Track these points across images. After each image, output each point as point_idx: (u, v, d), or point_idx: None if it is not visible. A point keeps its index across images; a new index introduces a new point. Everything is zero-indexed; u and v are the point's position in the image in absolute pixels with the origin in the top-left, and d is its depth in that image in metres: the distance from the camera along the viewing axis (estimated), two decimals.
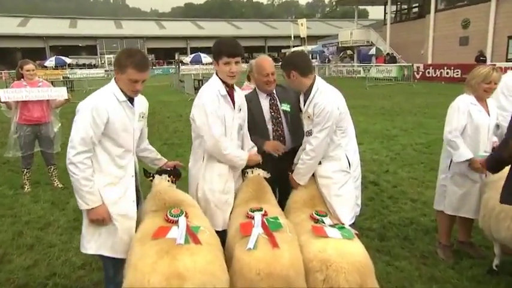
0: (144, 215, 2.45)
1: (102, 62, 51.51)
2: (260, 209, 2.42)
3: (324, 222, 2.44)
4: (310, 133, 2.74)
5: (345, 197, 2.73)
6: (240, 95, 2.83)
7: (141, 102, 2.58)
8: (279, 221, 2.33)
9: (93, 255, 2.68)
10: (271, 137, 3.10)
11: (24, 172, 5.40)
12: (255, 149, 2.98)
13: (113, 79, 2.44)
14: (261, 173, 2.86)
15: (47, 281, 3.12)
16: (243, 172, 2.86)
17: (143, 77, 2.37)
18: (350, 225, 2.67)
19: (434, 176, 5.59)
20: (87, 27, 55.92)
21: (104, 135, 2.35)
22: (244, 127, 2.90)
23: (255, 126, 3.06)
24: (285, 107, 3.15)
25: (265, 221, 2.29)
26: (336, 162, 2.75)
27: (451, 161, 3.24)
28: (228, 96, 2.67)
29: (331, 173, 2.73)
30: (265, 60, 3.11)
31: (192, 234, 2.14)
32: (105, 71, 40.97)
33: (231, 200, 2.75)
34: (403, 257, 3.38)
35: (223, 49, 2.56)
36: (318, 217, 2.50)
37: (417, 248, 3.55)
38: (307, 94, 2.77)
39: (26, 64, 5.30)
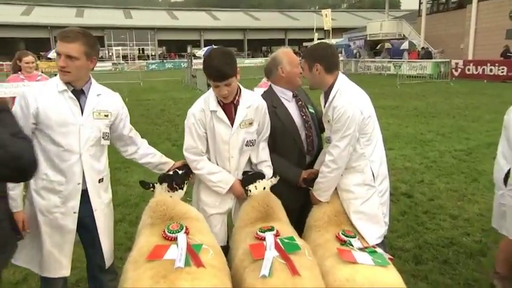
0: (141, 230, 2.35)
1: (110, 54, 52.41)
2: (271, 229, 2.27)
3: (352, 245, 2.28)
4: (329, 140, 2.61)
5: (368, 214, 2.56)
6: (249, 107, 2.63)
7: (105, 99, 2.45)
8: (295, 241, 2.19)
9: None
10: (305, 147, 2.90)
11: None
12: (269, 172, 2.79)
13: None
14: (266, 185, 2.63)
15: None
16: (245, 191, 2.65)
17: (64, 49, 2.20)
18: (377, 245, 2.51)
19: (477, 188, 5.39)
20: (95, 16, 56.93)
21: (37, 129, 2.25)
22: (260, 142, 2.77)
23: (285, 136, 2.85)
24: (311, 108, 3.00)
25: (279, 242, 2.14)
26: (358, 174, 2.59)
27: (507, 174, 2.89)
28: (221, 111, 2.57)
29: (352, 187, 2.58)
30: (290, 51, 3.05)
31: (193, 255, 2.02)
32: (113, 63, 41.60)
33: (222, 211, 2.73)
34: (443, 285, 3.18)
35: (210, 73, 2.45)
36: (345, 238, 2.34)
37: (460, 274, 3.33)
38: (327, 94, 2.61)
39: (25, 56, 5.29)
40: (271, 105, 2.80)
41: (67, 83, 2.30)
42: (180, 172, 2.65)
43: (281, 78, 2.87)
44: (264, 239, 2.18)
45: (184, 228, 2.20)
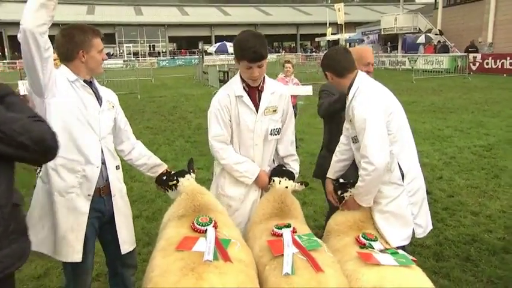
0: (168, 222, 2.36)
1: (121, 51, 52.84)
2: (288, 225, 2.24)
3: (372, 248, 2.22)
4: (355, 140, 2.56)
5: (395, 214, 2.51)
6: (273, 93, 2.67)
7: (106, 92, 2.58)
8: (314, 238, 2.17)
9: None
10: None
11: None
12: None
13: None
14: (289, 185, 2.62)
15: None
16: (269, 180, 2.67)
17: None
18: (400, 247, 2.48)
19: (498, 184, 5.32)
20: (106, 13, 57.38)
21: (59, 104, 2.29)
22: (285, 133, 2.78)
23: None
24: None
25: (298, 239, 2.13)
26: (385, 173, 2.51)
27: None
28: (247, 96, 2.60)
29: (381, 186, 2.51)
30: (367, 49, 3.09)
31: (221, 249, 2.03)
32: (124, 61, 41.98)
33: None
34: (465, 282, 3.16)
35: (245, 54, 2.46)
36: (365, 241, 2.28)
37: (483, 271, 3.30)
38: (348, 94, 2.60)
39: None
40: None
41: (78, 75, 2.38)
42: (173, 173, 2.68)
43: None
44: (280, 235, 2.17)
45: (213, 221, 2.22)
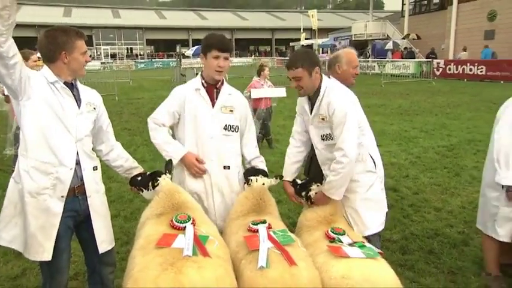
0: (147, 220, 2.35)
1: (98, 53, 51.70)
2: (263, 221, 2.29)
3: (341, 242, 2.29)
4: (328, 137, 2.64)
5: (373, 199, 2.66)
6: (230, 95, 2.76)
7: (89, 93, 2.53)
8: (288, 234, 2.22)
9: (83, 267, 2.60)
10: None
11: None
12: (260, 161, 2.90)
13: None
14: (266, 182, 2.66)
15: None
16: (247, 180, 2.71)
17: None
18: (375, 235, 2.58)
19: (459, 182, 5.52)
20: (83, 16, 55.96)
21: (32, 101, 2.23)
22: (248, 137, 2.87)
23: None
24: None
25: (273, 234, 2.17)
26: (360, 163, 2.64)
27: None
28: (204, 90, 2.70)
29: (356, 176, 2.62)
30: (353, 53, 3.18)
31: (200, 245, 2.05)
32: (101, 63, 41.03)
33: None
34: (428, 273, 3.27)
35: (214, 42, 2.60)
36: (334, 235, 2.34)
37: (444, 263, 3.43)
38: (315, 94, 2.66)
39: (32, 54, 5.25)
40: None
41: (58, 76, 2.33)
42: (148, 174, 2.66)
43: (336, 75, 2.99)
44: (256, 231, 2.20)
45: (191, 219, 2.22)
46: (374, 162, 2.68)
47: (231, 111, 2.74)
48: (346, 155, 2.49)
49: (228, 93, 2.76)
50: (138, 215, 2.65)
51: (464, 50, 22.82)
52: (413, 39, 27.57)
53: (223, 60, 2.60)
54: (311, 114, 2.72)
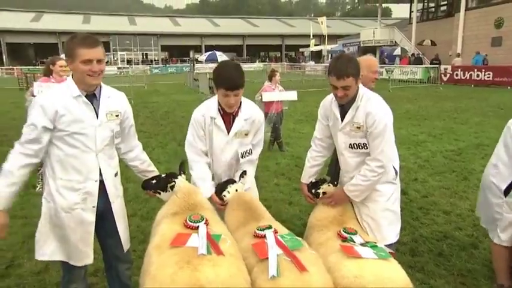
0: (162, 219, 2.37)
1: (115, 59, 52.30)
2: (269, 227, 2.24)
3: (353, 241, 2.27)
4: (358, 146, 2.56)
5: (393, 210, 2.61)
6: (247, 120, 2.69)
7: (114, 100, 2.45)
8: (296, 237, 2.19)
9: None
10: None
11: (40, 171, 5.43)
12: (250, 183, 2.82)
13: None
14: (238, 188, 2.60)
15: None
16: (219, 196, 2.61)
17: (96, 55, 2.22)
18: (391, 244, 2.55)
19: (468, 186, 5.45)
20: (101, 23, 56.77)
21: (55, 133, 2.25)
22: (252, 156, 2.79)
23: None
24: None
25: (281, 239, 2.13)
26: (383, 174, 2.56)
27: (510, 185, 2.79)
28: (220, 119, 2.66)
29: (378, 186, 2.57)
30: (372, 59, 3.22)
31: (213, 244, 2.05)
32: (118, 68, 41.55)
33: None
34: (438, 275, 3.22)
35: (223, 82, 2.50)
36: (346, 235, 2.32)
37: (454, 265, 3.38)
38: (350, 101, 2.55)
39: (58, 60, 5.36)
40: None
41: (81, 89, 2.28)
42: (162, 176, 2.65)
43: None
44: (264, 236, 2.15)
45: (204, 219, 2.23)
46: (396, 173, 2.64)
47: (246, 135, 2.73)
48: (383, 166, 2.46)
49: (245, 118, 2.68)
50: (154, 214, 2.66)
51: (458, 56, 23.05)
52: (428, 45, 27.23)
53: (233, 97, 2.52)
54: (342, 121, 2.60)
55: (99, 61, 2.24)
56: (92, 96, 2.34)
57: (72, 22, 53.47)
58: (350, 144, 2.59)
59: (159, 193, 2.63)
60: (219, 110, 2.65)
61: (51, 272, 3.30)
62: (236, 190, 2.60)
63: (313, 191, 2.76)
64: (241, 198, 2.54)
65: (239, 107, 2.67)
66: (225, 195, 2.59)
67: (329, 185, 2.72)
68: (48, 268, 3.38)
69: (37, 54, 50.71)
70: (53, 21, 52.60)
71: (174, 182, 2.57)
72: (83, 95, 2.29)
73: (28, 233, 4.06)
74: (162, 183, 2.61)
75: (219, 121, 2.65)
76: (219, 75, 2.53)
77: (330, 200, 2.64)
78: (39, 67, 29.63)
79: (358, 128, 2.51)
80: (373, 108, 2.46)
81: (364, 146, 2.53)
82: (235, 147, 2.69)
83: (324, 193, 2.69)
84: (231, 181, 2.67)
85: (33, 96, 5.19)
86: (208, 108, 2.68)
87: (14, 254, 3.68)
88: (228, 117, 2.67)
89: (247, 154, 2.73)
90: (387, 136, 2.45)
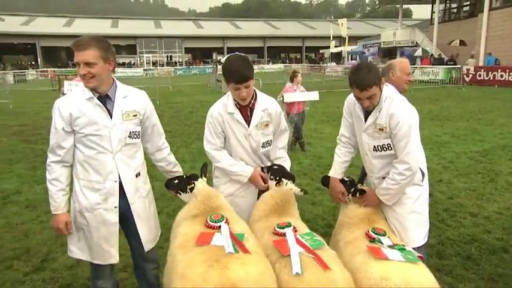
0: (182, 221, 2.35)
1: (141, 61, 53.18)
2: (289, 225, 2.21)
3: (381, 242, 2.19)
4: (383, 148, 2.47)
5: (420, 212, 2.50)
6: (264, 110, 2.65)
7: (132, 100, 2.38)
8: (316, 237, 2.14)
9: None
10: None
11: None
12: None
13: None
14: (293, 188, 2.58)
15: (89, 282, 3.08)
16: (277, 179, 2.62)
17: (82, 58, 2.14)
18: (420, 247, 2.44)
19: (495, 188, 5.21)
20: (128, 27, 57.89)
21: (75, 135, 2.25)
22: (276, 140, 2.80)
23: None
24: None
25: (301, 239, 2.09)
26: None
27: None
28: (238, 113, 2.61)
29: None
30: (406, 61, 3.22)
31: (238, 242, 2.02)
32: (144, 70, 42.22)
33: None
34: (468, 279, 3.08)
35: (232, 76, 2.47)
36: (374, 235, 2.24)
37: (483, 269, 3.22)
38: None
39: None
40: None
41: (92, 90, 2.25)
42: (185, 177, 2.63)
43: (390, 81, 2.92)
44: (283, 234, 2.13)
45: (225, 218, 2.21)
46: (422, 175, 2.53)
47: (266, 125, 2.68)
48: (410, 169, 2.36)
49: (262, 109, 2.65)
50: (179, 212, 2.66)
51: (472, 57, 22.34)
52: (458, 45, 26.41)
53: (244, 89, 2.47)
54: (365, 122, 2.52)
55: (86, 64, 2.15)
56: (106, 98, 2.30)
57: (101, 26, 54.70)
58: (374, 146, 2.52)
59: (180, 194, 2.61)
60: (235, 105, 2.61)
61: (83, 267, 3.33)
62: (291, 189, 2.58)
63: (352, 189, 2.67)
64: (285, 193, 2.54)
65: (255, 99, 2.64)
66: (282, 181, 2.58)
67: (297, 189, 2.64)
68: (80, 263, 3.39)
69: (69, 57, 52.04)
70: (84, 26, 53.83)
71: (194, 184, 2.54)
72: (95, 96, 2.26)
73: None
74: (182, 185, 2.59)
75: (238, 115, 2.61)
76: (227, 70, 2.49)
77: (363, 200, 2.56)
78: (71, 69, 30.41)
79: (381, 129, 2.43)
80: (396, 109, 2.37)
81: (389, 147, 2.45)
82: (256, 140, 2.65)
83: (362, 191, 2.60)
84: (293, 178, 2.65)
85: (64, 94, 5.33)
86: (224, 105, 2.63)
87: (49, 249, 3.74)
88: (246, 110, 2.63)
89: (268, 145, 2.71)
90: (413, 137, 2.35)
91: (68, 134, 2.24)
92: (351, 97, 2.61)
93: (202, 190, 2.51)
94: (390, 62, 3.20)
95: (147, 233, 2.54)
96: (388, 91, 2.47)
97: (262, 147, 2.68)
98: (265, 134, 2.68)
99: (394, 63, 3.14)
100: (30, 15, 60.78)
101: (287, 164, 2.83)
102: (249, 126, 2.61)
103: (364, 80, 2.30)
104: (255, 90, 2.64)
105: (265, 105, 2.66)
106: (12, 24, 49.98)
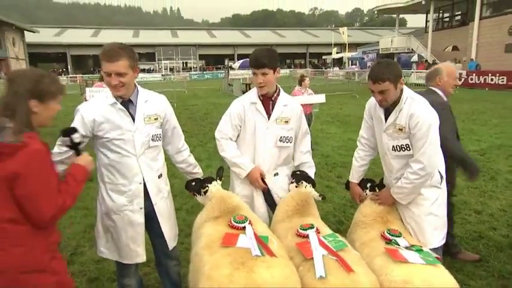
0: (204, 223, 2.20)
1: (160, 67, 53.27)
2: (312, 226, 2.06)
3: (397, 244, 2.02)
4: (402, 148, 2.28)
5: (437, 215, 2.30)
6: (286, 106, 2.50)
7: (152, 104, 2.25)
8: (339, 238, 1.98)
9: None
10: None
11: None
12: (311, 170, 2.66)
13: None
14: (312, 192, 2.43)
15: (115, 276, 2.96)
16: (298, 182, 2.47)
17: (113, 68, 2.00)
18: (438, 248, 2.25)
19: (496, 186, 4.96)
20: (148, 36, 58.11)
21: (97, 139, 2.13)
22: (300, 144, 2.62)
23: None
24: None
25: (324, 240, 1.93)
26: None
27: None
28: (260, 104, 2.49)
29: (422, 189, 2.27)
30: (452, 66, 3.09)
31: (263, 245, 1.87)
32: (162, 75, 42.23)
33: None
34: (478, 277, 2.88)
35: (251, 61, 2.40)
36: (390, 237, 2.06)
37: (493, 266, 3.01)
38: (394, 103, 2.28)
39: None
40: (446, 103, 2.87)
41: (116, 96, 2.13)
42: (201, 179, 2.51)
43: (437, 86, 2.91)
44: (306, 236, 1.99)
45: (248, 219, 2.06)
46: (441, 177, 2.32)
47: (286, 122, 2.51)
48: (424, 169, 2.17)
49: (283, 104, 2.51)
50: (198, 209, 2.51)
51: (459, 62, 22.30)
52: (449, 51, 25.95)
53: (261, 75, 2.36)
54: (385, 122, 2.35)
55: (118, 74, 2.02)
56: (128, 102, 2.17)
57: (124, 36, 54.85)
58: (393, 146, 2.32)
59: (196, 195, 2.49)
60: (258, 97, 2.50)
61: (109, 262, 3.17)
62: (310, 192, 2.43)
63: (368, 185, 2.52)
64: (306, 195, 2.40)
65: (278, 94, 2.51)
66: (302, 183, 2.44)
67: (317, 193, 2.47)
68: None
69: (95, 64, 52.47)
70: (109, 36, 54.14)
71: (208, 187, 2.40)
72: (119, 102, 2.13)
73: (89, 223, 4.03)
74: (197, 187, 2.46)
75: (260, 106, 2.49)
76: (250, 57, 2.41)
77: (377, 198, 2.39)
78: (97, 75, 30.55)
79: (400, 130, 2.25)
80: (416, 109, 2.18)
81: (407, 147, 2.26)
82: (276, 134, 2.49)
83: (381, 186, 2.43)
84: (314, 183, 2.49)
85: (86, 100, 5.22)
86: (248, 97, 2.54)
87: (78, 243, 3.63)
88: (268, 103, 2.49)
89: (287, 141, 2.53)
90: (431, 138, 2.15)
91: (85, 138, 2.11)
92: (372, 99, 2.43)
93: (216, 193, 2.37)
94: (436, 67, 2.99)
95: (170, 232, 2.43)
96: (410, 92, 2.28)
97: (280, 140, 2.51)
98: (284, 129, 2.52)
99: (441, 68, 2.93)
100: (61, 27, 61.42)
101: (311, 170, 2.65)
102: (269, 119, 2.48)
103: (378, 73, 2.17)
104: (278, 86, 2.52)
105: (287, 101, 2.54)
106: (46, 35, 50.41)
